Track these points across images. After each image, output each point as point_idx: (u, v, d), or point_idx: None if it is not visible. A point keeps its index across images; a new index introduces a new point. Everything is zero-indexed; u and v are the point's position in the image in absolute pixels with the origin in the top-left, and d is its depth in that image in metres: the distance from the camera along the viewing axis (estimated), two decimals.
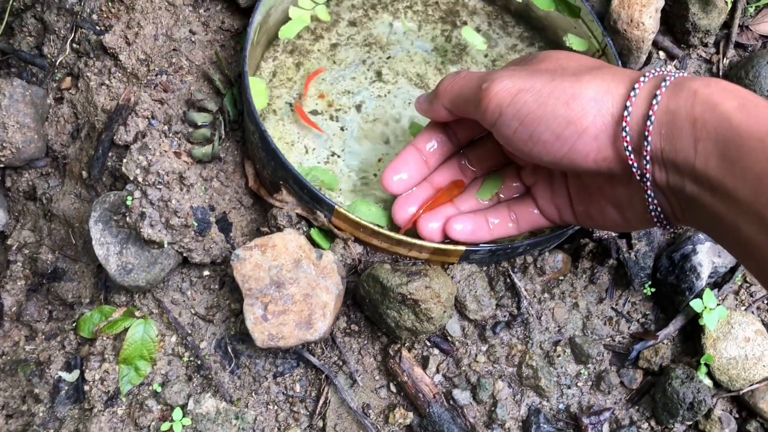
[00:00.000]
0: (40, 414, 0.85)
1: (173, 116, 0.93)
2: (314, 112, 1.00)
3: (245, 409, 0.84)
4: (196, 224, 0.83)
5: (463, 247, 0.82)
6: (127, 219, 0.81)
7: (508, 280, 0.85)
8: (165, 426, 0.82)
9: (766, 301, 0.89)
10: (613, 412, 0.83)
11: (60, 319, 0.89)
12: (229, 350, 0.85)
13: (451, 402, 0.83)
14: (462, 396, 0.83)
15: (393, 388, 0.85)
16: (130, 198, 0.81)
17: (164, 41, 0.98)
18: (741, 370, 0.83)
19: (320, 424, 0.84)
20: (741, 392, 0.83)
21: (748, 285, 0.90)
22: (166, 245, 0.82)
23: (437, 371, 0.84)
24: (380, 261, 0.84)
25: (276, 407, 0.85)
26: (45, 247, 0.90)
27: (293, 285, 0.82)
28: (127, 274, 0.82)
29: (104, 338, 0.85)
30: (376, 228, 0.82)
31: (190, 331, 0.85)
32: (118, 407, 0.83)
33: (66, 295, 0.88)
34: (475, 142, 0.82)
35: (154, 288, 0.86)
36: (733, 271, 0.88)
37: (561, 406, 0.83)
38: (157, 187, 0.82)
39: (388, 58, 1.06)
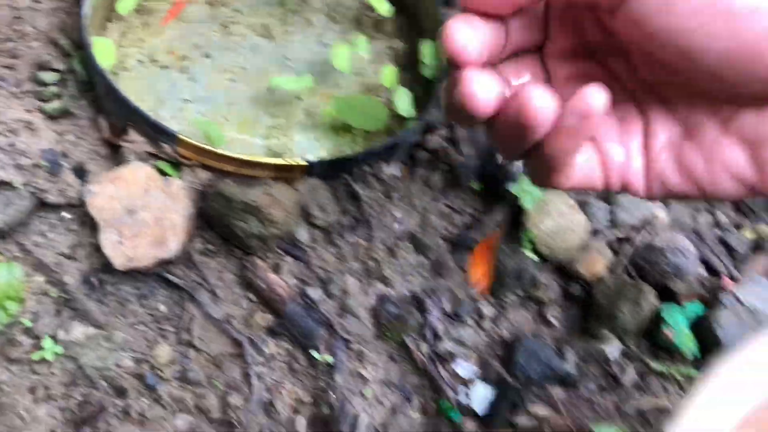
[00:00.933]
0: None
1: (22, 79, 0.98)
2: (164, 67, 1.06)
3: (114, 332, 0.89)
4: (47, 165, 0.88)
5: (304, 162, 0.91)
6: None
7: (349, 188, 0.94)
8: (36, 355, 0.87)
9: None
10: (452, 291, 0.93)
11: None
12: (94, 281, 0.90)
13: (306, 300, 0.91)
14: (315, 293, 0.91)
15: (252, 297, 0.92)
16: None
17: (9, 11, 1.03)
18: (560, 241, 0.94)
19: (187, 337, 0.90)
20: (561, 260, 0.94)
21: None
22: (19, 186, 0.87)
23: (290, 275, 0.91)
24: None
25: (144, 327, 0.91)
26: None
27: (144, 211, 0.88)
28: None
29: None
30: (218, 151, 0.90)
31: (55, 269, 0.90)
32: None
33: None
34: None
35: (15, 232, 0.90)
36: None
37: (405, 291, 0.92)
38: (5, 134, 0.87)
39: (233, 12, 1.14)
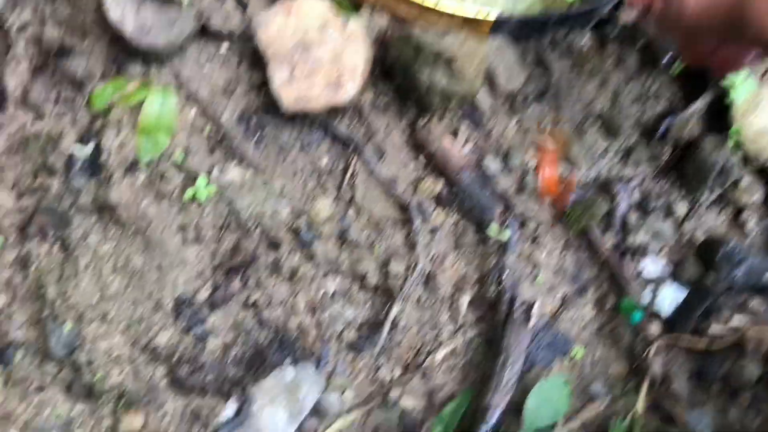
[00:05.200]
0: (55, 187, 0.81)
1: None
2: None
3: (272, 178, 0.82)
4: None
5: (493, 17, 0.80)
6: None
7: (538, 54, 0.83)
8: (189, 193, 0.80)
9: None
10: (642, 182, 0.83)
11: (69, 99, 0.84)
12: (252, 122, 0.82)
13: (482, 171, 0.82)
14: (492, 164, 0.82)
15: (422, 161, 0.83)
16: None
17: None
18: None
19: (348, 195, 0.82)
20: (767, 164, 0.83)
21: None
22: (185, 4, 0.78)
23: (467, 141, 0.82)
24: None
25: (303, 178, 0.83)
26: (50, 24, 0.85)
27: (320, 48, 0.79)
28: (146, 35, 0.78)
29: (120, 109, 0.81)
30: None
31: (211, 104, 0.82)
32: (138, 175, 0.80)
33: (75, 72, 0.84)
34: None
35: (171, 60, 0.82)
36: None
37: (591, 175, 0.83)
38: None
39: None
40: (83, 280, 0.79)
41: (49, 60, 0.86)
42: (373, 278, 0.81)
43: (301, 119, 0.82)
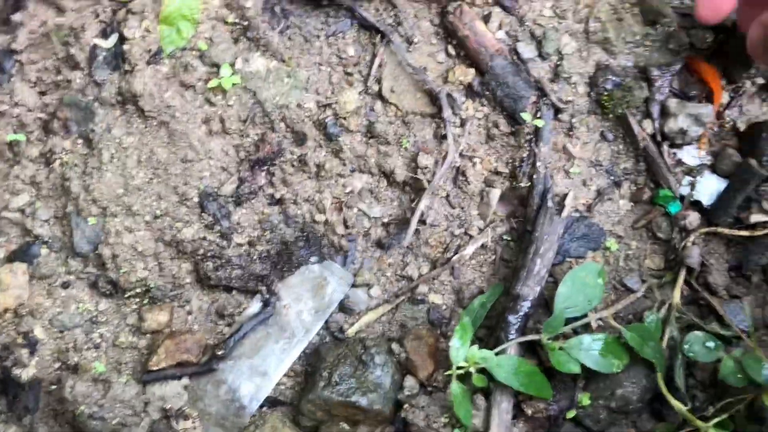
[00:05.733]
0: (78, 81, 0.80)
1: None
2: None
3: (297, 68, 0.79)
4: None
5: None
6: None
7: None
8: (213, 83, 0.77)
9: None
10: (682, 69, 0.79)
11: None
12: (277, 10, 0.79)
13: (515, 57, 0.78)
14: (526, 50, 0.78)
15: (451, 51, 0.80)
16: None
17: None
18: None
19: (375, 87, 0.80)
20: None
21: None
22: None
23: (500, 27, 0.79)
24: None
25: (329, 69, 0.80)
26: None
27: None
28: None
29: None
30: None
31: None
32: (161, 66, 0.78)
33: None
34: None
35: None
36: None
37: (629, 63, 0.79)
38: None
39: None
40: (107, 173, 0.78)
41: None
42: (400, 174, 0.79)
43: (328, 5, 0.79)
